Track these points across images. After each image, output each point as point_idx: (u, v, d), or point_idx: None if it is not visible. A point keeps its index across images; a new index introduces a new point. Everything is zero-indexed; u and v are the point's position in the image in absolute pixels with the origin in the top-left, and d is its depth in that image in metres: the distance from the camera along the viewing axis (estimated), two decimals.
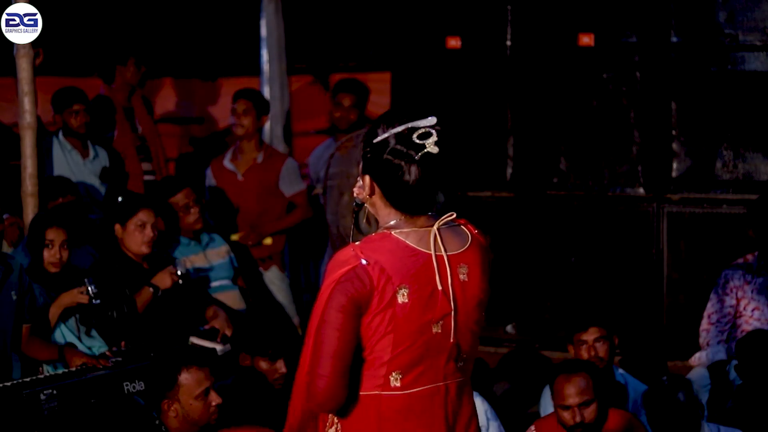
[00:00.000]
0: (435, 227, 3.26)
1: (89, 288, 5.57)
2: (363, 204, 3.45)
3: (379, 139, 3.22)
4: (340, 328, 3.16)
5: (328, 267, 3.23)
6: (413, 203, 3.25)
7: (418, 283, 3.20)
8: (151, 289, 6.03)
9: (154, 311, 6.06)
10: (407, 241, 3.23)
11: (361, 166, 3.30)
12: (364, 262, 3.17)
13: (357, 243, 3.24)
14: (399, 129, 3.20)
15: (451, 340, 3.25)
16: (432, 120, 3.22)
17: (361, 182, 3.42)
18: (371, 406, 3.24)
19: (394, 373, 3.22)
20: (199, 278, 6.68)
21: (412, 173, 3.19)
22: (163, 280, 6.07)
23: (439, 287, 3.21)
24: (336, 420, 3.29)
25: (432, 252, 3.23)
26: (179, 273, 6.09)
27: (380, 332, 3.18)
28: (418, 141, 3.19)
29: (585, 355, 5.61)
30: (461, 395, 3.33)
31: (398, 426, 3.24)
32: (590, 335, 5.65)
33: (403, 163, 3.20)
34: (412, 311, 3.19)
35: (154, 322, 6.03)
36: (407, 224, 3.26)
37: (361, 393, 3.23)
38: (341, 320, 3.16)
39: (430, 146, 3.19)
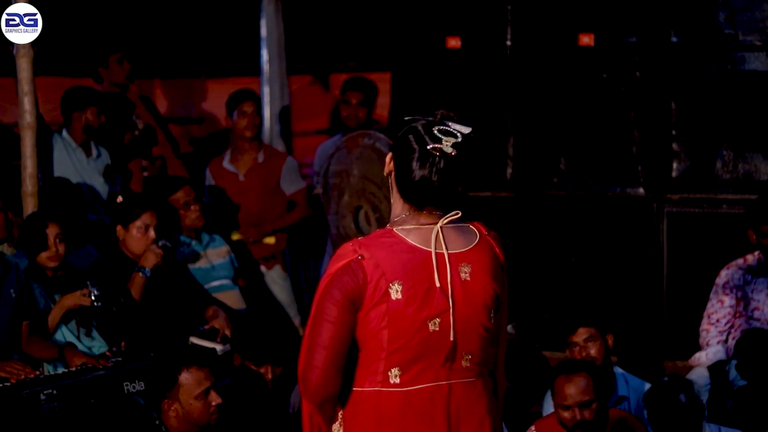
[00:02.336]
0: (438, 225, 3.28)
1: (92, 291, 5.57)
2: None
3: (411, 118, 3.28)
4: (334, 321, 3.21)
5: (330, 261, 3.29)
6: (417, 195, 3.28)
7: (413, 280, 3.23)
8: (140, 273, 6.03)
9: (155, 303, 6.06)
10: (407, 239, 3.27)
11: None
12: (359, 256, 3.22)
13: (359, 238, 3.30)
14: (432, 118, 3.27)
15: (450, 339, 3.26)
16: (467, 129, 3.27)
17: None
18: (371, 403, 3.26)
19: (393, 369, 3.25)
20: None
21: (421, 161, 3.24)
22: (148, 259, 6.07)
23: (437, 284, 3.23)
24: (340, 416, 3.32)
25: (432, 250, 3.25)
26: (160, 245, 6.10)
27: (376, 327, 3.22)
28: (438, 134, 3.24)
29: (578, 356, 5.61)
30: (471, 395, 3.32)
31: (397, 423, 3.26)
32: (579, 336, 5.65)
33: (417, 148, 3.25)
34: (406, 307, 3.22)
35: (154, 317, 6.03)
36: (411, 220, 3.30)
37: (362, 389, 3.27)
38: (335, 313, 3.21)
39: (446, 145, 3.24)
